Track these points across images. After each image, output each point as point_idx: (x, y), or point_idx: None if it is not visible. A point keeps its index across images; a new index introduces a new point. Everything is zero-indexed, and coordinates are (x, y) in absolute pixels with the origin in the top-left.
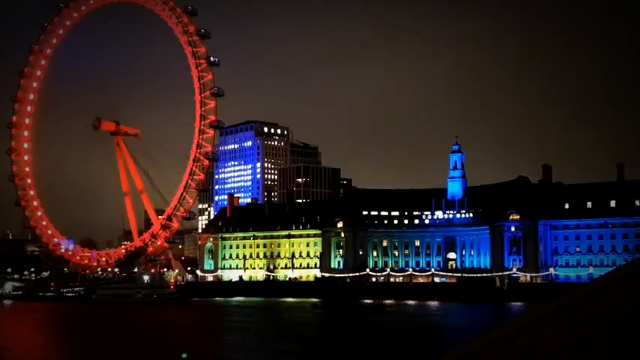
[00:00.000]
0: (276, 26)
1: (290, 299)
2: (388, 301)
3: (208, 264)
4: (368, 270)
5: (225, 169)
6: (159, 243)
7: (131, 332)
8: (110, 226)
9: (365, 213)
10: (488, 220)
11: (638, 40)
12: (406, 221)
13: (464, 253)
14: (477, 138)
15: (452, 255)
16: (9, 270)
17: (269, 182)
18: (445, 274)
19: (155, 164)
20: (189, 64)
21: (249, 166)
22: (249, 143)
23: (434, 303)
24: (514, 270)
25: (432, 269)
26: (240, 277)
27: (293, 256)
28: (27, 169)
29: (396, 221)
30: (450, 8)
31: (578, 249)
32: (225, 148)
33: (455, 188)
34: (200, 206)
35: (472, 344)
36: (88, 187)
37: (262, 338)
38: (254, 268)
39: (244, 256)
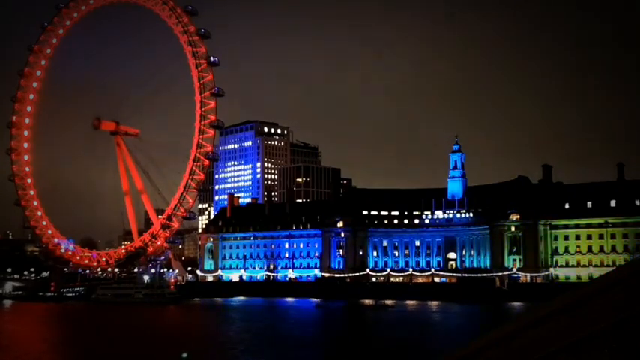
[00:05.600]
0: (276, 26)
1: (290, 299)
2: (389, 301)
3: (208, 264)
4: (368, 270)
5: (225, 169)
6: (159, 243)
7: (131, 332)
8: (110, 226)
9: (365, 213)
10: (488, 220)
11: (638, 39)
12: (406, 221)
13: (464, 253)
14: (477, 138)
15: (452, 255)
16: (9, 270)
17: (269, 182)
18: (445, 274)
19: (155, 164)
20: (189, 64)
21: (249, 166)
22: (249, 143)
23: (434, 303)
24: (514, 270)
25: (432, 269)
26: (240, 277)
27: (293, 256)
28: (27, 169)
29: (396, 221)
30: (450, 8)
31: (578, 249)
32: (225, 148)
33: (455, 188)
34: (200, 206)
35: (472, 344)
36: (88, 187)
37: (262, 338)
38: (254, 268)
39: (244, 256)
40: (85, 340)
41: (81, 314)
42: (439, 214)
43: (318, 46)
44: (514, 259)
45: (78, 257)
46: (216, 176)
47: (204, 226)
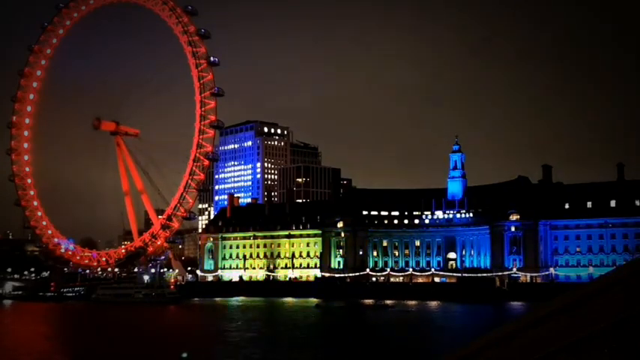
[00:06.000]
0: (276, 26)
1: (290, 299)
2: (389, 301)
3: (208, 264)
4: (368, 270)
5: (225, 169)
6: (159, 243)
7: (131, 332)
8: (110, 226)
9: (365, 213)
10: (488, 220)
11: (637, 39)
12: (406, 221)
13: (464, 253)
14: (477, 138)
15: (452, 255)
16: (9, 270)
17: (269, 182)
18: (445, 274)
19: (155, 164)
20: (189, 64)
21: (249, 166)
22: (249, 143)
23: (434, 303)
24: (514, 270)
25: (432, 269)
26: (240, 277)
27: (293, 256)
28: (27, 169)
29: (396, 221)
30: (449, 9)
31: (578, 249)
32: (225, 148)
33: (455, 188)
34: (200, 206)
35: (472, 344)
36: (88, 187)
37: (262, 338)
38: (254, 268)
39: (244, 256)
40: (85, 340)
41: (81, 314)
42: (439, 214)
43: (318, 46)
44: (514, 259)
45: (78, 257)
46: (216, 176)
47: (204, 226)
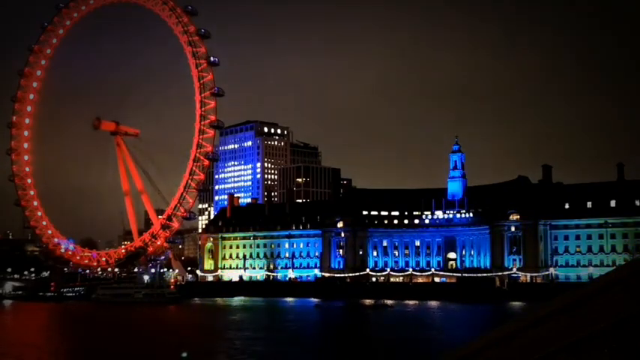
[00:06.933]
0: (275, 26)
1: (290, 299)
2: (389, 301)
3: (208, 264)
4: (368, 270)
5: (225, 169)
6: (159, 243)
7: (131, 332)
8: (110, 226)
9: (365, 213)
10: (488, 220)
11: (637, 39)
12: (406, 221)
13: (464, 253)
14: (477, 138)
15: (452, 255)
16: (9, 270)
17: (269, 182)
18: (445, 274)
19: (155, 164)
20: (189, 64)
21: (249, 166)
22: (249, 143)
23: (434, 303)
24: (514, 270)
25: (432, 269)
26: (240, 277)
27: (293, 256)
28: (27, 169)
29: (396, 221)
30: (449, 8)
31: (578, 249)
32: (225, 148)
33: (455, 188)
34: (200, 206)
35: (472, 344)
36: (88, 187)
37: (262, 338)
38: (254, 268)
39: (244, 256)
40: (85, 340)
41: (81, 314)
42: (439, 214)
43: (318, 46)
44: (514, 259)
45: (78, 257)
46: (216, 176)
47: (204, 226)
